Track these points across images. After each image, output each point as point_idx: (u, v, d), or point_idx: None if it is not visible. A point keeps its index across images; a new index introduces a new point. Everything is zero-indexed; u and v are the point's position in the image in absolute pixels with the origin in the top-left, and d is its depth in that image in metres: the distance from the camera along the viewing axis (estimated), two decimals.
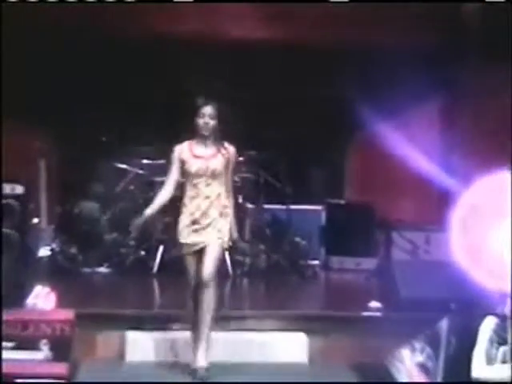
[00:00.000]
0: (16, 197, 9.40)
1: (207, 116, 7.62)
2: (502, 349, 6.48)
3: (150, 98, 11.18)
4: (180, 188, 7.76)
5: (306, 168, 12.66)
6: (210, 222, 7.63)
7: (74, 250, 10.61)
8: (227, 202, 7.75)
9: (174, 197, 10.90)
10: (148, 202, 10.87)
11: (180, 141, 7.74)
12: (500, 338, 6.53)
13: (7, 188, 9.31)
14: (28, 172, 10.18)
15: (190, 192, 7.67)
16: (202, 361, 7.48)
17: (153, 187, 11.11)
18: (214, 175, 7.64)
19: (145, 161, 11.23)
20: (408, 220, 9.90)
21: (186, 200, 7.68)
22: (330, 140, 11.97)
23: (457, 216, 8.66)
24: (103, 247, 11.05)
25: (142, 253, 10.95)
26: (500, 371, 6.40)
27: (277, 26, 10.64)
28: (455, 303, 7.90)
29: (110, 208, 11.28)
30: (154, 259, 10.76)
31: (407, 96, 10.32)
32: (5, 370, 7.23)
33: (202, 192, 7.62)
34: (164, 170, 11.10)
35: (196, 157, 7.66)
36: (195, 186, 7.64)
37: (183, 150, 7.72)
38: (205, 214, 7.61)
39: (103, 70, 10.89)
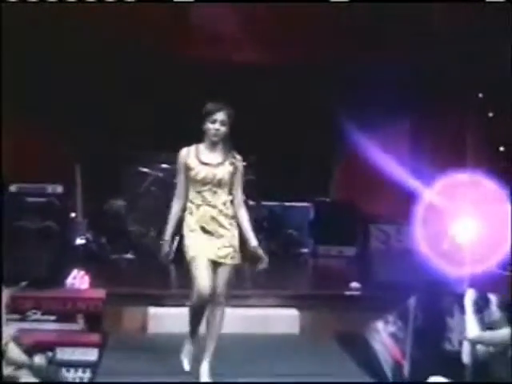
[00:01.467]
0: (57, 195, 9.35)
1: (219, 122, 6.35)
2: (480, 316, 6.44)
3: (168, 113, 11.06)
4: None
5: (298, 172, 12.64)
6: (220, 234, 6.37)
7: (104, 240, 10.68)
8: (234, 212, 6.45)
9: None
10: (166, 200, 10.96)
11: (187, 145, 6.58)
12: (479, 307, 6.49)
13: (49, 188, 9.27)
14: (67, 175, 10.18)
15: (195, 199, 6.42)
16: (205, 377, 6.42)
17: (170, 188, 11.10)
18: (220, 184, 6.38)
19: (163, 165, 11.17)
20: (382, 215, 9.88)
21: (192, 206, 6.43)
22: (318, 149, 11.94)
23: (419, 211, 8.70)
24: (128, 237, 11.06)
25: (161, 242, 10.90)
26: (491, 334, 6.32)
27: (270, 51, 10.50)
28: (421, 284, 7.83)
29: (134, 205, 11.28)
30: (171, 247, 10.71)
31: (383, 114, 10.35)
32: (48, 338, 7.25)
33: (208, 200, 6.38)
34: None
35: (203, 163, 6.40)
36: (200, 193, 6.40)
37: (189, 155, 6.46)
38: (213, 222, 6.37)
39: (131, 89, 10.80)
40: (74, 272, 8.41)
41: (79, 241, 10.11)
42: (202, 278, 6.26)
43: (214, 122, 6.33)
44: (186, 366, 6.53)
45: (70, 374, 6.91)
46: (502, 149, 9.67)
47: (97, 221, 10.87)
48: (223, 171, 6.35)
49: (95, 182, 10.85)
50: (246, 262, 6.59)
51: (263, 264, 6.35)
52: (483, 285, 7.01)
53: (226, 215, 6.36)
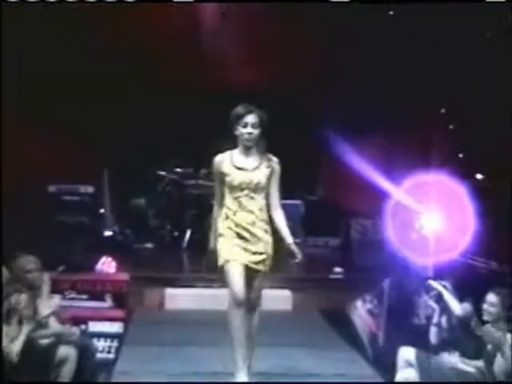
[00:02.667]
0: (88, 195, 9.39)
1: (250, 126, 5.32)
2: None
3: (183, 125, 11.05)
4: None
5: (290, 176, 12.60)
6: (255, 239, 5.39)
7: (128, 232, 10.59)
8: (268, 217, 5.47)
9: (198, 194, 11.01)
10: (180, 199, 11.01)
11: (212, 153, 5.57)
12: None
13: (82, 188, 9.31)
14: (97, 177, 10.15)
15: (231, 205, 5.39)
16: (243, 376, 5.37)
17: (183, 188, 11.16)
18: (256, 188, 5.37)
19: (178, 169, 11.16)
20: (360, 211, 9.91)
21: (229, 212, 5.39)
22: (308, 157, 11.93)
23: (389, 207, 8.71)
24: (148, 230, 11.00)
25: (176, 234, 10.91)
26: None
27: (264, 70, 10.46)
28: (393, 269, 7.77)
29: (153, 203, 11.23)
30: (184, 239, 10.74)
31: (362, 126, 10.35)
32: (80, 314, 7.22)
33: (244, 206, 5.37)
34: (191, 176, 11.20)
35: (238, 169, 5.37)
36: (237, 199, 5.37)
37: (224, 162, 5.42)
38: (249, 228, 5.38)
39: (152, 108, 10.78)
40: (103, 259, 8.35)
41: (107, 232, 10.06)
42: (236, 283, 5.34)
43: (245, 125, 5.34)
44: (244, 378, 5.40)
45: (100, 343, 6.91)
46: (460, 155, 9.73)
47: (122, 216, 10.82)
48: (259, 175, 5.38)
49: (120, 183, 10.81)
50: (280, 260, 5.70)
51: (298, 259, 5.49)
52: (447, 271, 6.99)
53: (262, 220, 5.42)
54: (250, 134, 5.33)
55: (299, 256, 5.48)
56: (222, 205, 5.46)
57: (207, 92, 10.61)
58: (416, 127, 9.96)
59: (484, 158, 9.20)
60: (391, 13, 9.64)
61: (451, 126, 10.03)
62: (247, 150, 5.40)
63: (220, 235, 5.44)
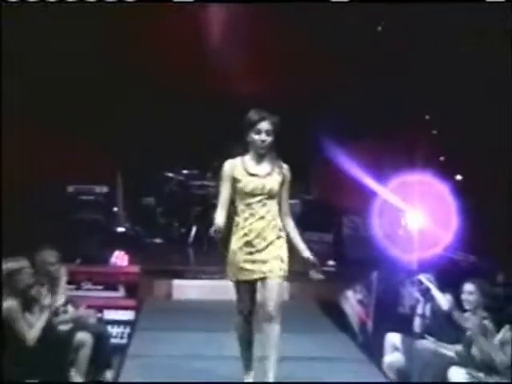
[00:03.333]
0: (103, 194, 9.36)
1: (264, 132, 4.79)
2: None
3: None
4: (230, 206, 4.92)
5: None
6: (266, 246, 4.80)
7: (138, 228, 10.57)
8: (282, 224, 4.93)
9: (203, 194, 11.01)
10: (186, 198, 10.99)
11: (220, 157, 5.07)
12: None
13: (97, 188, 9.26)
14: (110, 178, 10.12)
15: (243, 212, 4.82)
16: None
17: (188, 188, 11.16)
18: (270, 195, 4.82)
19: (184, 171, 11.16)
20: (352, 209, 9.90)
21: (240, 220, 4.81)
22: (304, 160, 11.87)
23: (376, 206, 8.72)
24: (157, 226, 10.97)
25: (182, 230, 10.88)
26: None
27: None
28: (381, 262, 7.75)
29: (161, 201, 11.20)
30: (190, 235, 10.73)
31: (353, 131, 10.34)
32: (95, 303, 7.16)
33: (257, 212, 4.80)
34: (197, 178, 11.20)
35: (251, 175, 4.83)
36: (249, 205, 4.80)
37: (236, 167, 4.86)
38: (260, 235, 4.79)
39: (161, 116, 10.68)
40: (116, 253, 8.35)
41: (120, 229, 10.01)
42: (241, 301, 4.89)
43: (258, 132, 4.81)
44: (249, 379, 5.03)
45: (113, 330, 6.93)
46: (441, 158, 9.75)
47: (133, 214, 10.80)
48: (272, 181, 4.85)
49: (132, 184, 10.80)
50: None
51: (317, 273, 5.07)
52: (430, 264, 6.96)
53: (274, 226, 4.85)
54: (263, 141, 4.82)
55: (318, 268, 5.04)
56: (224, 208, 4.82)
57: (211, 98, 10.58)
58: (402, 132, 9.92)
59: (464, 160, 9.23)
60: (379, 29, 9.59)
61: (434, 132, 10.06)
62: (259, 157, 4.88)
63: (230, 248, 4.84)
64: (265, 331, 4.77)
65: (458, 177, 9.30)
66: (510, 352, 5.16)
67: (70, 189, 9.21)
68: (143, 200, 11.16)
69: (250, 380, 5.01)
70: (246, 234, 4.80)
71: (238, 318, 4.95)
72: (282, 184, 4.91)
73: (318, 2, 8.14)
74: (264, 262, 4.79)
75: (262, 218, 4.81)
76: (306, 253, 4.92)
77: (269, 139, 4.82)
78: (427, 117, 10.06)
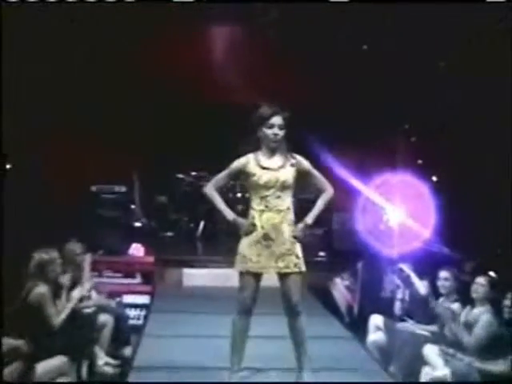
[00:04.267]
0: (121, 193, 9.31)
1: (277, 127, 4.40)
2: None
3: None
4: (245, 201, 4.74)
5: None
6: (283, 240, 4.40)
7: (153, 223, 10.48)
8: (294, 216, 4.51)
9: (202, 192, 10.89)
10: (195, 197, 10.83)
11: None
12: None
13: (117, 188, 9.20)
14: (128, 178, 10.03)
15: (258, 205, 4.42)
16: None
17: (198, 188, 11.05)
18: (283, 187, 4.41)
19: (193, 173, 11.09)
20: (340, 206, 9.86)
21: (255, 214, 4.41)
22: None
23: (361, 204, 8.69)
24: (169, 222, 10.86)
25: (191, 225, 10.82)
26: None
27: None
28: (366, 253, 7.72)
29: (173, 200, 11.12)
30: (198, 229, 10.68)
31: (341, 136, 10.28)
32: (115, 289, 7.21)
33: (272, 205, 4.39)
34: (204, 179, 11.03)
35: (264, 168, 4.42)
36: (263, 198, 4.40)
37: (249, 162, 4.46)
38: (277, 228, 4.39)
39: (176, 124, 10.61)
40: (134, 245, 8.38)
41: (137, 224, 9.89)
42: (244, 291, 4.45)
43: (271, 127, 4.42)
44: (236, 379, 4.54)
45: (131, 312, 6.96)
46: (419, 161, 9.77)
47: (148, 210, 10.72)
48: (286, 174, 4.44)
49: (147, 184, 10.74)
50: None
51: (300, 232, 4.46)
52: (408, 255, 6.91)
53: (288, 220, 4.46)
54: (276, 135, 4.41)
55: (299, 234, 4.47)
56: (215, 185, 4.53)
57: (218, 110, 10.57)
58: (385, 138, 9.91)
59: (439, 163, 9.24)
60: (365, 47, 9.60)
61: (413, 139, 10.10)
62: (271, 151, 4.46)
63: (244, 241, 4.44)
64: (293, 327, 4.46)
65: (434, 178, 9.31)
66: (475, 332, 5.17)
67: (93, 188, 9.17)
68: (157, 198, 11.05)
69: (237, 380, 4.51)
70: (262, 227, 4.40)
71: (236, 314, 4.49)
72: (296, 175, 4.47)
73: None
74: (278, 256, 4.40)
75: (278, 210, 4.40)
76: (309, 219, 4.52)
77: (281, 133, 4.43)
78: (406, 126, 10.13)
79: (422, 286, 6.09)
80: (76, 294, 5.71)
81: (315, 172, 4.60)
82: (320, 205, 4.60)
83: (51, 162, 8.83)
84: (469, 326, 5.27)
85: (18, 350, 4.84)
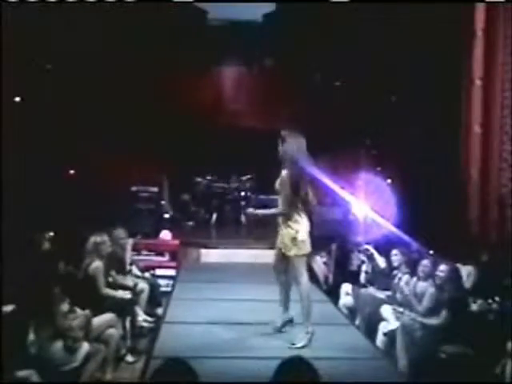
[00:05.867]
0: (154, 192, 9.34)
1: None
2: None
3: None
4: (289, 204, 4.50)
5: (274, 178, 12.37)
6: (293, 227, 4.60)
7: (178, 215, 10.36)
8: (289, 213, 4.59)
9: (221, 192, 11.00)
10: (210, 195, 10.77)
11: None
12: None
13: (151, 188, 9.16)
14: (159, 180, 9.91)
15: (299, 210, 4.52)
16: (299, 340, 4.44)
17: (212, 188, 11.03)
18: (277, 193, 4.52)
19: (209, 177, 11.05)
20: (319, 202, 9.85)
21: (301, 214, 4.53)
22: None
23: (333, 199, 8.57)
24: (190, 213, 10.76)
25: (207, 216, 10.80)
26: None
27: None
28: (338, 237, 7.58)
29: (194, 197, 11.03)
30: (211, 219, 10.67)
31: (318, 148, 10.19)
32: (150, 264, 7.16)
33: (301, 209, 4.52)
34: (217, 181, 10.90)
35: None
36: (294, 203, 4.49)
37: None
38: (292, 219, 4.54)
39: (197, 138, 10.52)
40: (163, 231, 8.33)
41: (166, 215, 9.79)
42: (273, 261, 4.75)
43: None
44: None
45: (162, 281, 6.89)
46: (378, 168, 9.83)
47: (174, 205, 10.54)
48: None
49: (174, 185, 10.64)
50: None
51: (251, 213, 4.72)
52: (374, 240, 6.86)
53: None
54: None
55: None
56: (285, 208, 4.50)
57: (226, 129, 10.51)
58: (352, 150, 9.91)
59: (393, 170, 9.34)
60: (337, 83, 9.66)
61: (374, 152, 10.15)
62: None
63: (300, 234, 4.58)
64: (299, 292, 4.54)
65: (389, 180, 9.40)
66: (423, 303, 5.14)
67: (133, 188, 9.17)
68: (181, 196, 10.96)
69: (280, 321, 4.68)
70: (307, 226, 4.65)
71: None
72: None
73: None
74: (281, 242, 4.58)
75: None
76: (259, 210, 4.81)
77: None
78: (368, 141, 10.15)
79: (381, 262, 6.14)
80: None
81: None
82: (273, 211, 4.70)
83: (104, 170, 8.85)
84: (417, 296, 5.30)
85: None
